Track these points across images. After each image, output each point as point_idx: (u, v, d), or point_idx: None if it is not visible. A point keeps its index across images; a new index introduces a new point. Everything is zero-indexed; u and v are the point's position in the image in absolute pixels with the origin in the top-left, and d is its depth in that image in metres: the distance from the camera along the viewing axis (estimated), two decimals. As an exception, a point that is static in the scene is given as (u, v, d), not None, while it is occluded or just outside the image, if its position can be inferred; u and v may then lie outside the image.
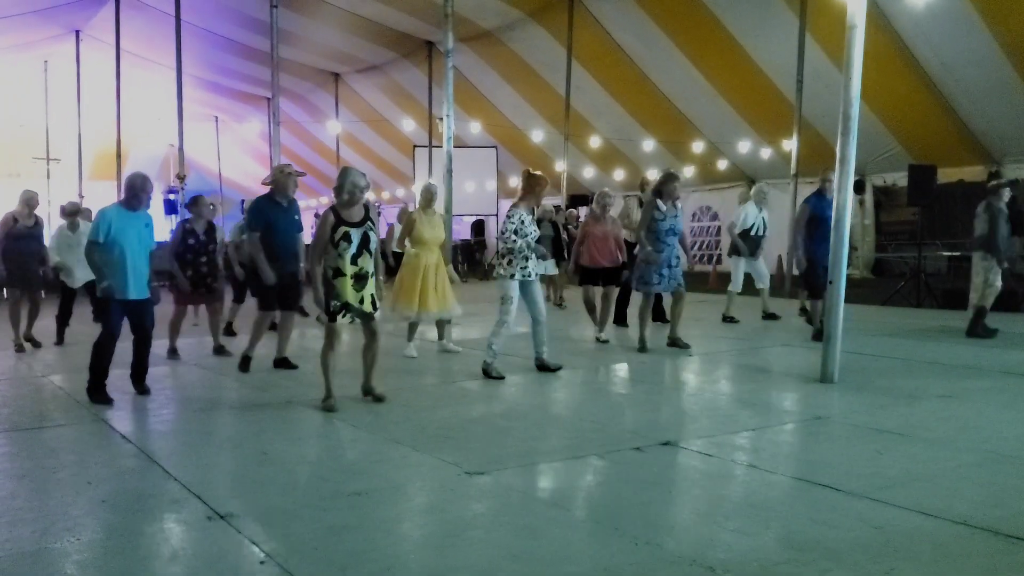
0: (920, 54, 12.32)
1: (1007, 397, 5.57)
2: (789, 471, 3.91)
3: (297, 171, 6.81)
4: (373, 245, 5.31)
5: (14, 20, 16.14)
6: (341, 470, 4.07)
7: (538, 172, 6.59)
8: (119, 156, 16.48)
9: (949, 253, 12.08)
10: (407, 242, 7.40)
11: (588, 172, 19.57)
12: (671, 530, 3.18)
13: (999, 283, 8.23)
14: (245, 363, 6.67)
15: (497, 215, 22.08)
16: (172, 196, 19.71)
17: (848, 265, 8.31)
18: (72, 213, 8.97)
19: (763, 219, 9.88)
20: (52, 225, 9.96)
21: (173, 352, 7.49)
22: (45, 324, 8.87)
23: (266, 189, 6.80)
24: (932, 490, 3.60)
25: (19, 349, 8.14)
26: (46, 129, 20.98)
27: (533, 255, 6.33)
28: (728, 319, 9.72)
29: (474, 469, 3.94)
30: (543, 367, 6.55)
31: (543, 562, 2.89)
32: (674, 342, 7.71)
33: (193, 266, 7.49)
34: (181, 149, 14.53)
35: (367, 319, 5.38)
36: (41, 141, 21.09)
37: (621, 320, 9.44)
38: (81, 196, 17.60)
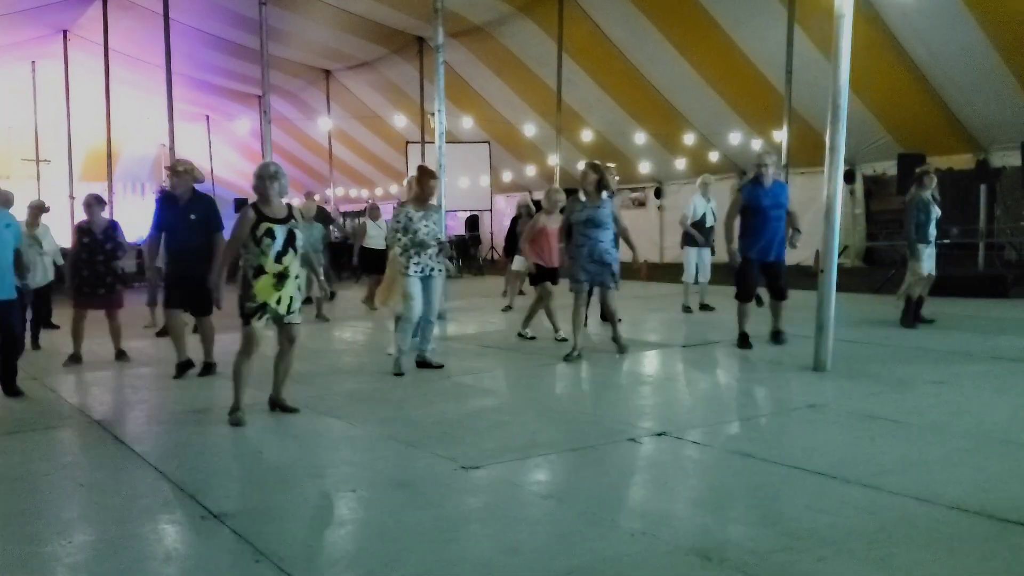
0: (908, 43, 12.33)
1: (998, 382, 5.60)
2: (784, 459, 3.92)
3: (183, 168, 6.35)
4: (299, 244, 4.93)
5: (0, 21, 16.03)
6: (336, 467, 4.06)
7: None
8: (109, 156, 16.40)
9: (939, 240, 12.11)
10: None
11: (581, 165, 19.53)
12: (667, 520, 3.18)
13: None
14: (179, 369, 6.44)
15: (491, 210, 22.05)
16: (164, 196, 19.56)
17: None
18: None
19: (711, 209, 10.15)
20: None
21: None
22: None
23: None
24: (926, 475, 3.61)
25: None
26: (35, 130, 20.85)
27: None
28: (688, 309, 10.01)
29: (470, 463, 3.94)
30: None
31: (540, 555, 2.90)
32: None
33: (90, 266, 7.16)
34: (172, 148, 14.46)
35: (284, 323, 5.00)
36: (30, 143, 20.96)
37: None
38: (72, 197, 17.52)
